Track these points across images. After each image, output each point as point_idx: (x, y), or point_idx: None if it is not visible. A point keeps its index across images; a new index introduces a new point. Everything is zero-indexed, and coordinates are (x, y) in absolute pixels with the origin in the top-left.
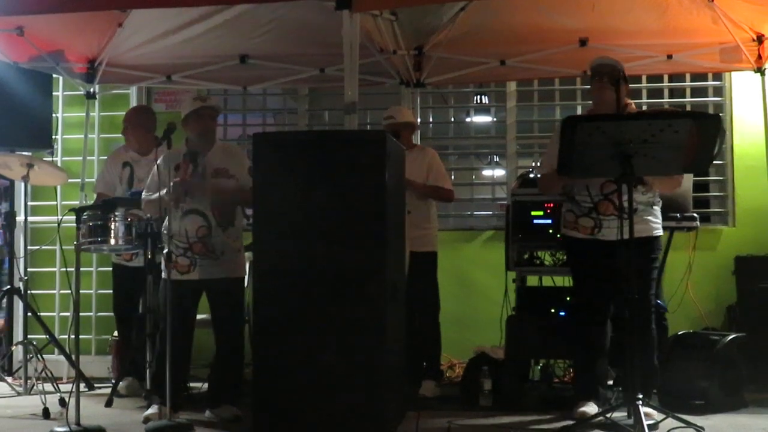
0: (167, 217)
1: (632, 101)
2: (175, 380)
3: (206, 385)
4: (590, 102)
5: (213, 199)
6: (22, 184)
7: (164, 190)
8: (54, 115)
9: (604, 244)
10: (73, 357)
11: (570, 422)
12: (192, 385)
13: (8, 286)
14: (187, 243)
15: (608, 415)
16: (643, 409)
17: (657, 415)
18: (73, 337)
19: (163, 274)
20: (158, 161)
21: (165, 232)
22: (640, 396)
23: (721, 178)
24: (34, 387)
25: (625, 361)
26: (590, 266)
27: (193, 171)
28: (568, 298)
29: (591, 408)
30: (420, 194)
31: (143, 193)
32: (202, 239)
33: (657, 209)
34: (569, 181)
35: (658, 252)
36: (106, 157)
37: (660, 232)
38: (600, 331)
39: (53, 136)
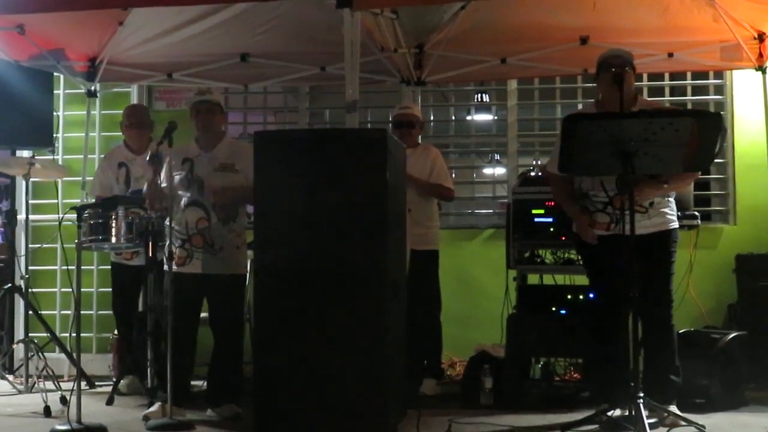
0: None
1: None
2: (177, 378)
3: (206, 384)
4: (591, 100)
5: (214, 200)
6: (23, 182)
7: (165, 183)
8: (55, 113)
9: (622, 239)
10: (74, 355)
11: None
12: (193, 383)
13: (9, 284)
14: (186, 234)
15: (609, 414)
16: (669, 410)
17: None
18: (74, 335)
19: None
20: (157, 153)
21: (168, 224)
22: (641, 395)
23: (721, 176)
24: (35, 385)
25: (631, 359)
26: (608, 262)
27: (154, 174)
28: (569, 297)
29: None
30: (420, 191)
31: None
32: (202, 232)
33: (672, 201)
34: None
35: (675, 245)
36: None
37: (676, 225)
38: (619, 330)
39: (54, 135)
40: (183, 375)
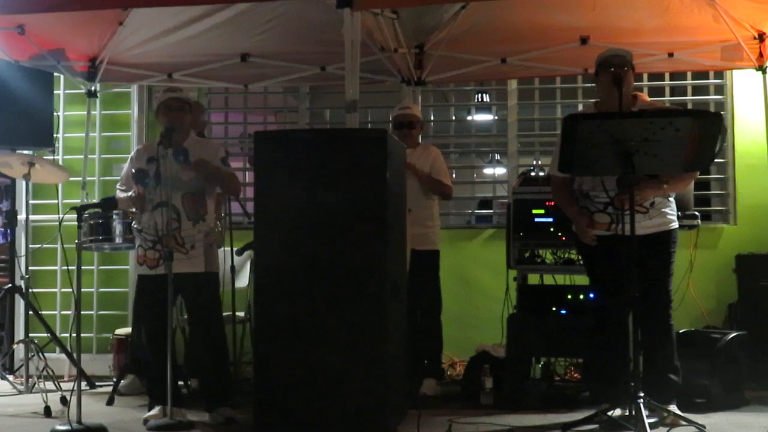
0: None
1: (639, 92)
2: (158, 376)
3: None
4: (592, 100)
5: (195, 167)
6: (24, 183)
7: (132, 191)
8: (55, 113)
9: (622, 239)
10: (75, 355)
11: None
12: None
13: (9, 285)
14: (156, 236)
15: (609, 414)
16: (669, 409)
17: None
18: (74, 335)
19: (138, 270)
20: (131, 155)
21: (135, 227)
22: (641, 394)
23: (722, 176)
24: (36, 385)
25: (630, 358)
26: (608, 262)
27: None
28: (569, 297)
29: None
30: (420, 183)
31: (117, 188)
32: (172, 232)
33: (672, 201)
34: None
35: (674, 245)
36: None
37: (676, 225)
38: (619, 330)
39: (54, 135)
40: (165, 374)
